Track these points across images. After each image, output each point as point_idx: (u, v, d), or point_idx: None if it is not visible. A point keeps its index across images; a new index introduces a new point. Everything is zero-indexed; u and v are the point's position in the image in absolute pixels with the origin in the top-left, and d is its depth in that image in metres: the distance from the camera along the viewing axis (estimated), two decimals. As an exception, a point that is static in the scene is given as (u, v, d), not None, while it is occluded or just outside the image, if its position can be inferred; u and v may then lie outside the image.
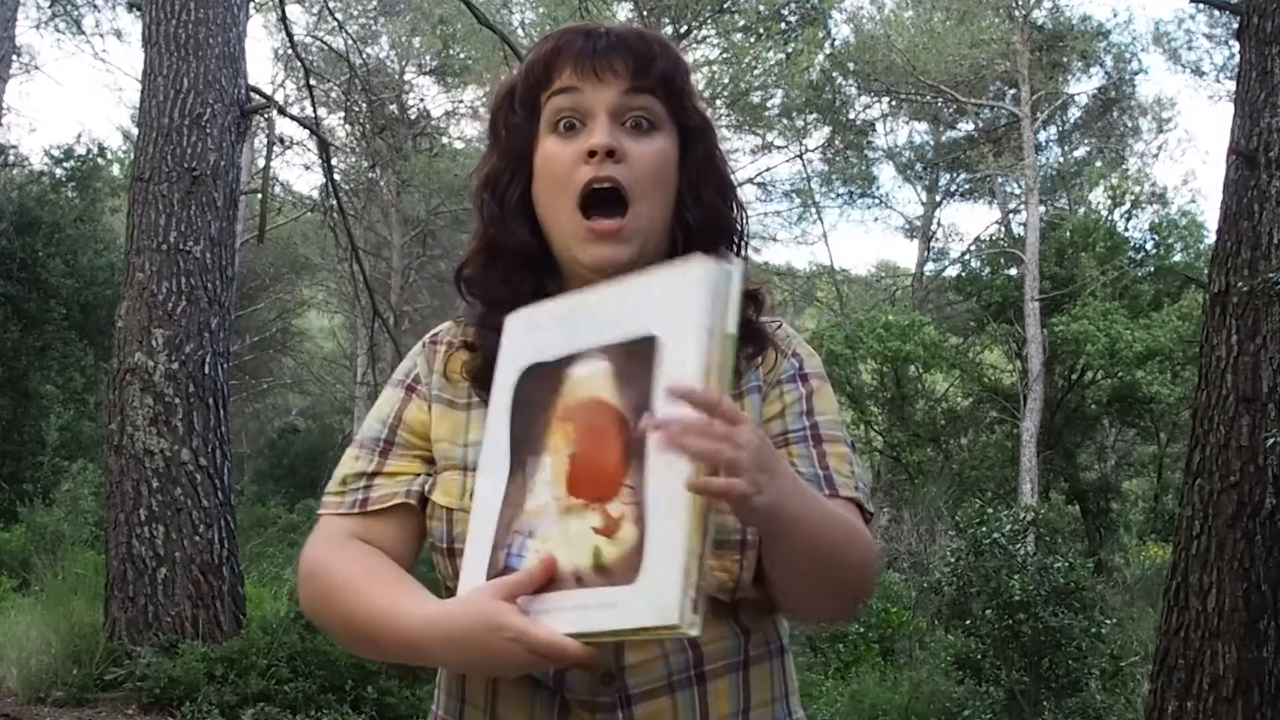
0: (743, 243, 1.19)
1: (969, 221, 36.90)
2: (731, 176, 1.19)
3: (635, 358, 0.92)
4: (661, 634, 0.86)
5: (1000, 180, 20.30)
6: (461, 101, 21.15)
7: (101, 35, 25.45)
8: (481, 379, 1.10)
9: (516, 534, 0.96)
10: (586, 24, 1.14)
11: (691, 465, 0.86)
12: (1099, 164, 20.37)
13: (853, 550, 1.03)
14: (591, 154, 1.07)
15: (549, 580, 0.92)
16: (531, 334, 1.02)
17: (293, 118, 11.40)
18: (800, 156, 22.31)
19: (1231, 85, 5.71)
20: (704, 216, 1.14)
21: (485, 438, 1.04)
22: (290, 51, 13.09)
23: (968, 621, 6.25)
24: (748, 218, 1.20)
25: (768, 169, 23.25)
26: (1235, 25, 5.25)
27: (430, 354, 1.19)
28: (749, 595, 1.07)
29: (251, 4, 7.71)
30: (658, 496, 0.87)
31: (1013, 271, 18.31)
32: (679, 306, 0.90)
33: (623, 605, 0.87)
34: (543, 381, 0.98)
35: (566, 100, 1.09)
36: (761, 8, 19.23)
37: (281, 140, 14.92)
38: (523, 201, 1.14)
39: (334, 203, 9.68)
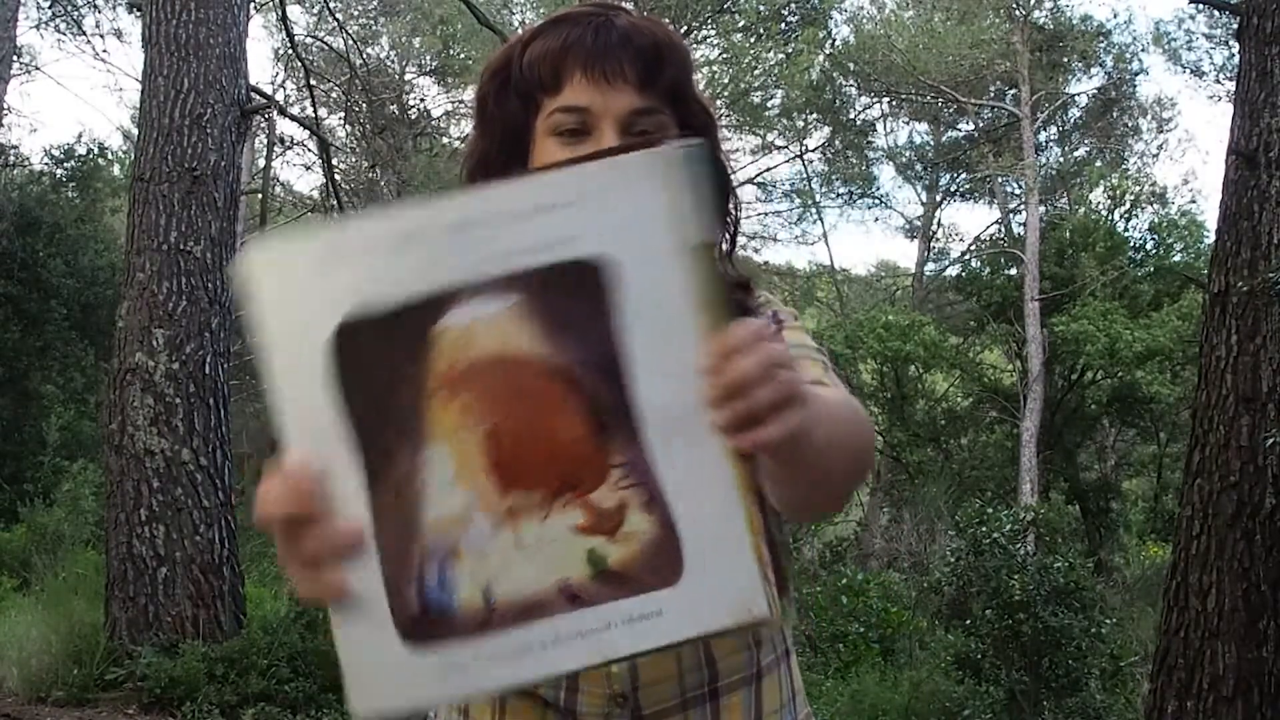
0: (735, 237, 1.18)
1: (969, 221, 36.80)
2: (730, 174, 1.17)
3: (565, 289, 0.66)
4: (740, 632, 0.70)
5: (1000, 180, 20.29)
6: (461, 101, 21.13)
7: (102, 35, 25.35)
8: None
9: (429, 559, 0.69)
10: (594, 12, 1.08)
11: (723, 416, 0.66)
12: (1099, 164, 20.37)
13: (858, 435, 0.95)
14: None
15: (523, 611, 0.68)
16: (333, 271, 0.67)
17: (293, 118, 11.44)
18: (800, 156, 22.31)
19: (1231, 85, 5.71)
20: None
21: (286, 428, 0.70)
22: (290, 51, 13.10)
23: (968, 621, 6.25)
24: (740, 212, 1.19)
25: (768, 169, 23.25)
26: (1235, 25, 5.25)
27: None
28: None
29: (252, 4, 7.71)
30: (684, 468, 0.66)
31: (1013, 271, 18.30)
32: (632, 212, 0.66)
33: (672, 613, 0.67)
34: (387, 342, 0.67)
35: (572, 116, 1.05)
36: (761, 8, 19.23)
37: (282, 140, 14.95)
38: None
39: (334, 203, 9.70)
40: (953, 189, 23.03)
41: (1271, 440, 4.32)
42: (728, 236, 1.17)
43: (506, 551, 0.68)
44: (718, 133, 1.15)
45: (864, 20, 21.13)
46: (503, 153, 1.09)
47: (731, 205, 1.17)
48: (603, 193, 0.66)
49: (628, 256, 0.66)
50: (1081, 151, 21.64)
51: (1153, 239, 18.22)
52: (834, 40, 20.94)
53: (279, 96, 15.05)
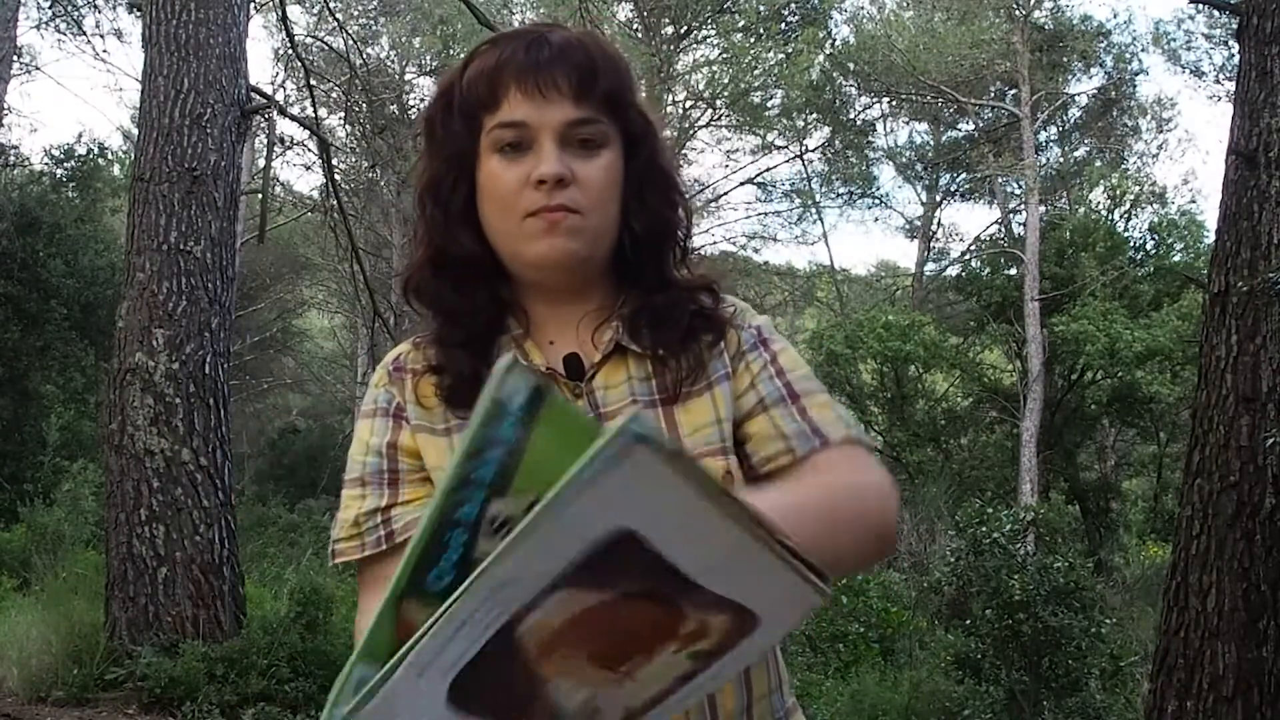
0: (686, 240, 1.18)
1: (969, 221, 36.92)
2: (675, 174, 1.18)
3: (609, 561, 0.71)
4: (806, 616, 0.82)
5: (1000, 180, 20.29)
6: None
7: (102, 35, 25.43)
8: (456, 399, 1.08)
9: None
10: (530, 30, 1.11)
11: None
12: (1099, 164, 20.37)
13: (858, 509, 0.99)
14: (541, 182, 1.05)
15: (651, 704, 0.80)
16: (422, 678, 0.75)
17: (293, 118, 11.44)
18: (800, 156, 22.34)
19: (1231, 85, 5.71)
20: (648, 221, 1.13)
21: None
22: (290, 51, 13.10)
23: (968, 621, 6.25)
24: (691, 215, 1.20)
25: (768, 169, 23.28)
26: (1235, 25, 5.25)
27: (398, 382, 1.14)
28: None
29: (252, 4, 7.71)
30: (727, 575, 0.74)
31: (1013, 271, 18.30)
32: (635, 491, 0.69)
33: (756, 642, 0.77)
34: (488, 674, 0.76)
35: (511, 132, 1.07)
36: (761, 8, 19.25)
37: (282, 140, 14.94)
38: (467, 208, 1.12)
39: (334, 203, 9.69)
40: (953, 189, 23.05)
41: (1271, 440, 4.31)
42: (680, 242, 1.17)
43: (630, 688, 0.78)
44: (658, 138, 1.16)
45: (864, 20, 21.16)
46: (449, 176, 1.12)
47: (680, 207, 1.17)
48: (597, 482, 0.67)
49: (651, 525, 0.70)
50: (1081, 151, 21.66)
51: (1153, 239, 18.23)
52: (834, 40, 20.96)
53: (279, 96, 15.05)
